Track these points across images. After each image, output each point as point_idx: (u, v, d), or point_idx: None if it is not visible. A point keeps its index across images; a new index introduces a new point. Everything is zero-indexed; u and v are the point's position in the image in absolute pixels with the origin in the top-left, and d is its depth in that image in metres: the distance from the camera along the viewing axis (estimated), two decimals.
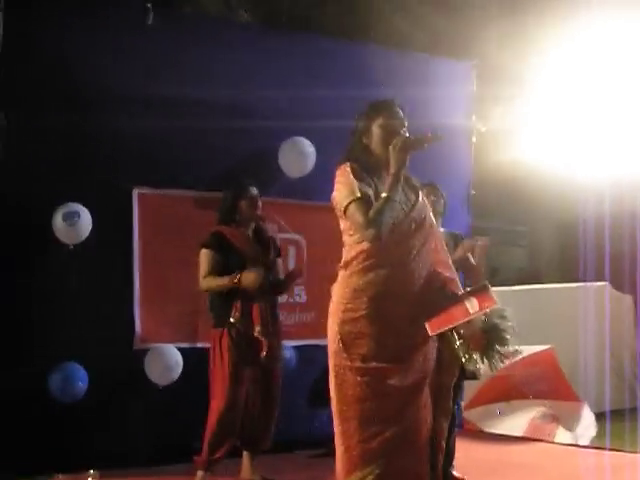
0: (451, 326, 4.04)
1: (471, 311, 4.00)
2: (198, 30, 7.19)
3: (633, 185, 11.91)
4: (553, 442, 7.89)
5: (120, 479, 6.16)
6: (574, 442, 7.84)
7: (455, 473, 6.30)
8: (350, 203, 3.92)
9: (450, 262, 4.31)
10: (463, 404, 8.52)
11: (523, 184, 14.23)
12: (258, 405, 6.13)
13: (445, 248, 4.34)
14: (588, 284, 10.91)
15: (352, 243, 4.03)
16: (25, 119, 6.35)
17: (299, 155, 7.06)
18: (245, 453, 6.25)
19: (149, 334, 6.80)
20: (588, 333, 9.61)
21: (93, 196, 6.58)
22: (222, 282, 5.95)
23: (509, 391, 8.61)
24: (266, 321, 5.99)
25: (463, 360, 4.93)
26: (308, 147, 7.14)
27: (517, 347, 8.52)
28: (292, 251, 7.35)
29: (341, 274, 4.07)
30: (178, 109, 6.83)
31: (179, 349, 6.80)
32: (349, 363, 3.96)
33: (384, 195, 3.90)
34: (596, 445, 7.74)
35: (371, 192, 3.97)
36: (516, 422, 8.29)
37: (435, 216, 6.28)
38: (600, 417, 8.85)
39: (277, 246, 6.49)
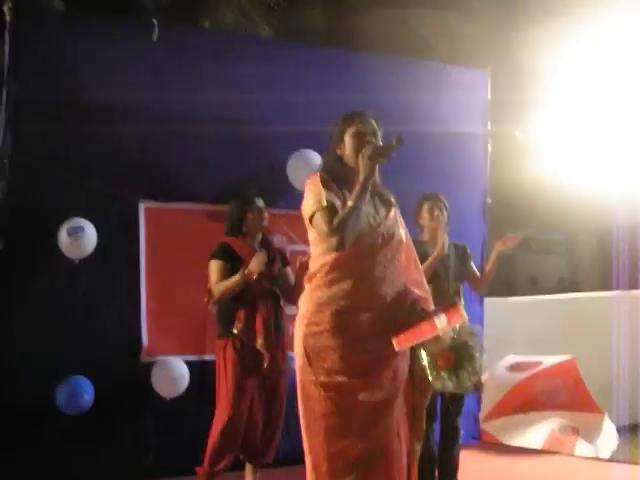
0: (418, 341, 3.98)
1: (439, 326, 3.93)
2: (205, 44, 7.24)
3: None
4: (572, 455, 7.75)
5: None
6: (594, 455, 7.69)
7: None
8: (315, 212, 3.90)
9: (424, 281, 4.25)
10: (481, 416, 8.47)
11: (558, 191, 14.08)
12: (262, 418, 6.11)
13: (419, 266, 4.29)
14: (624, 292, 10.75)
15: (317, 255, 4.00)
16: (31, 134, 6.41)
17: (307, 167, 7.01)
18: (248, 466, 6.23)
19: (156, 347, 6.81)
20: (623, 342, 9.44)
21: (99, 210, 6.62)
22: (233, 280, 5.94)
23: (529, 402, 8.51)
24: (269, 332, 5.97)
25: (430, 378, 4.89)
26: (316, 159, 7.10)
27: (537, 358, 8.51)
28: None
29: (306, 287, 4.04)
30: (185, 122, 6.83)
31: (186, 362, 6.81)
32: (313, 378, 3.93)
33: (350, 204, 3.85)
34: (617, 458, 7.58)
35: (339, 202, 3.93)
36: (535, 434, 8.16)
37: (439, 229, 6.29)
38: (634, 428, 8.73)
39: (285, 257, 6.48)
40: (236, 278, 5.93)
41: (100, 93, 6.65)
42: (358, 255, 3.92)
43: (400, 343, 3.94)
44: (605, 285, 14.19)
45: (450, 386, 4.86)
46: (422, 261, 6.00)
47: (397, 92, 7.55)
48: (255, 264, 5.90)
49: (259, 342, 5.93)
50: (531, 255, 27.31)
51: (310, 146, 7.14)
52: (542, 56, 11.12)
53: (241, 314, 5.96)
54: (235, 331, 5.96)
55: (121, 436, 6.63)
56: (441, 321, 3.94)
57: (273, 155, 7.22)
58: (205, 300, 6.15)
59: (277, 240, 6.98)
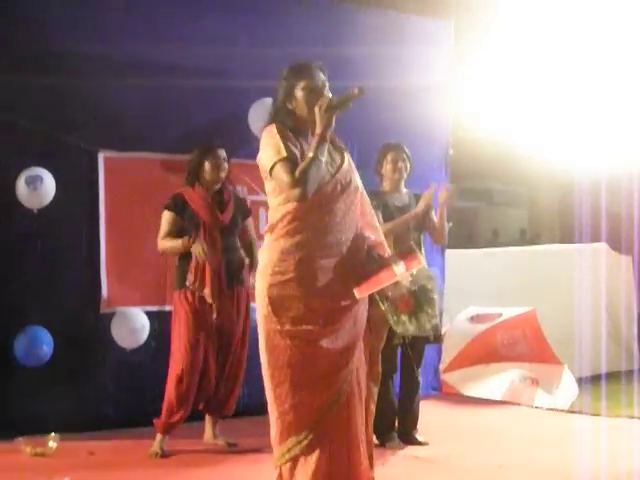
0: (378, 288, 4.03)
1: (397, 272, 3.97)
2: None
3: (631, 145, 11.77)
4: (532, 406, 7.82)
5: (84, 442, 6.18)
6: (553, 406, 7.76)
7: (419, 437, 6.29)
8: (276, 163, 3.88)
9: (377, 225, 4.27)
10: (442, 367, 8.53)
11: (520, 144, 14.10)
12: (219, 369, 6.13)
13: (372, 212, 4.29)
14: (585, 245, 10.81)
15: (277, 205, 3.98)
16: None
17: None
18: (207, 417, 6.27)
19: (115, 297, 6.78)
20: (584, 295, 9.50)
21: (57, 160, 6.55)
22: (176, 244, 6.03)
23: (489, 354, 8.57)
24: (217, 283, 5.96)
25: (391, 322, 4.92)
26: None
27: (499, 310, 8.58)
28: (263, 213, 7.27)
29: (267, 237, 4.03)
30: (146, 70, 6.76)
31: (146, 312, 6.79)
32: (279, 327, 3.92)
33: (310, 155, 3.86)
34: (576, 409, 7.65)
35: (297, 153, 3.93)
36: (495, 385, 8.22)
37: (401, 179, 6.29)
38: (596, 379, 8.81)
39: (246, 208, 6.44)
40: (178, 244, 6.01)
41: (60, 42, 6.57)
42: (318, 204, 3.92)
43: (361, 291, 3.97)
44: (567, 238, 14.28)
45: (411, 329, 4.91)
46: (383, 212, 6.05)
47: (359, 42, 7.53)
48: (196, 251, 5.91)
49: (206, 292, 5.94)
50: (493, 207, 27.47)
51: (271, 95, 7.04)
52: (506, 5, 11.06)
53: (191, 265, 5.97)
54: (187, 283, 5.97)
55: (81, 387, 6.61)
56: (399, 267, 3.97)
57: (234, 104, 7.15)
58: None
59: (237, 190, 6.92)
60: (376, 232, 4.21)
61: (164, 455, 5.90)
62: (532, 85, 12.52)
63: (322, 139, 3.89)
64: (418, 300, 4.70)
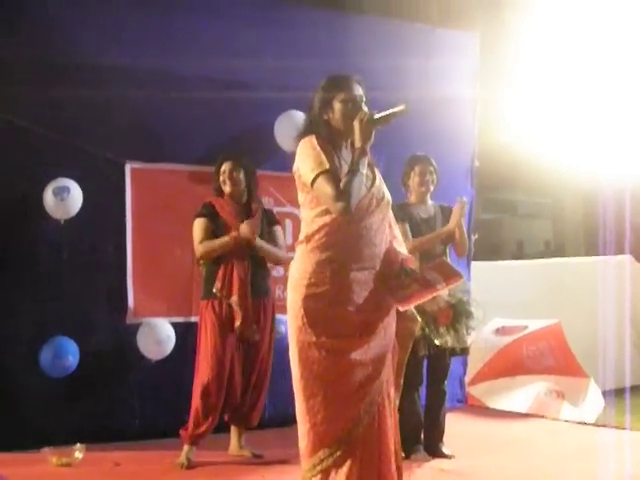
0: (419, 302, 4.08)
1: (438, 287, 4.03)
2: (195, 4, 7.11)
3: None
4: (558, 419, 7.78)
5: (110, 453, 6.19)
6: (579, 419, 7.72)
7: (445, 450, 6.26)
8: (318, 175, 3.87)
9: (400, 237, 4.28)
10: (467, 379, 8.50)
11: (545, 155, 14.07)
12: (244, 380, 6.12)
13: (397, 225, 4.30)
14: (609, 257, 10.78)
15: (313, 217, 3.98)
16: (16, 93, 6.32)
17: (295, 128, 6.93)
18: (233, 428, 6.26)
19: (142, 308, 6.81)
20: (609, 307, 9.47)
21: (85, 171, 6.58)
22: (221, 241, 5.98)
23: (515, 366, 8.53)
24: (245, 291, 5.96)
25: (431, 335, 4.95)
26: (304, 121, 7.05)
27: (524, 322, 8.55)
28: (289, 224, 7.29)
29: (301, 249, 4.02)
30: (173, 82, 6.82)
31: (172, 323, 6.80)
32: (314, 339, 3.91)
33: (352, 168, 3.88)
34: (602, 422, 7.61)
35: (337, 165, 3.95)
36: (521, 398, 8.18)
37: (427, 191, 6.28)
38: (619, 393, 8.75)
39: (273, 216, 6.42)
40: (225, 239, 5.96)
41: (88, 53, 6.59)
42: (355, 217, 3.93)
43: (403, 306, 4.04)
44: (591, 250, 14.23)
45: (450, 341, 4.93)
46: (410, 224, 6.05)
47: (385, 55, 7.53)
48: (246, 230, 5.92)
49: (233, 299, 5.95)
50: (518, 219, 27.41)
51: (297, 108, 7.08)
52: (532, 19, 11.06)
53: (219, 274, 5.98)
54: (214, 291, 5.98)
55: (106, 398, 6.64)
56: (439, 281, 4.04)
57: (260, 116, 7.17)
58: (195, 256, 6.20)
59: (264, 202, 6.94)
60: (400, 245, 4.23)
61: (190, 466, 5.89)
62: (556, 97, 12.51)
63: (363, 152, 3.92)
64: (456, 313, 4.72)
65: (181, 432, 5.98)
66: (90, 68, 6.57)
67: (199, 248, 6.04)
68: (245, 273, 5.99)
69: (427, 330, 4.88)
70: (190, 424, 5.94)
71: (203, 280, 6.19)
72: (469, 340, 5.96)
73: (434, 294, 4.13)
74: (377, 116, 3.94)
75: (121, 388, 6.73)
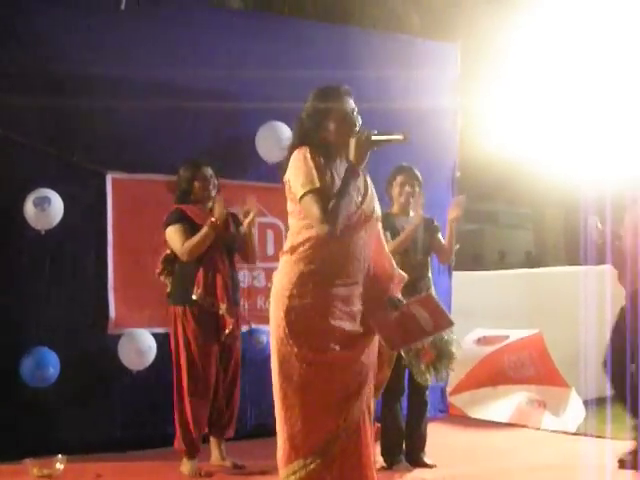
0: (411, 345, 4.16)
1: (427, 329, 4.07)
2: (173, 14, 7.13)
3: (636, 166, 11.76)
4: (539, 428, 7.79)
5: (91, 464, 6.15)
6: (561, 428, 7.73)
7: (426, 460, 6.26)
8: (307, 193, 3.83)
9: (386, 249, 4.27)
10: (449, 389, 8.50)
11: (526, 166, 14.12)
12: (222, 387, 6.12)
13: (383, 238, 4.29)
14: (590, 267, 10.79)
15: (300, 228, 3.95)
16: None
17: (277, 139, 6.96)
18: (212, 439, 6.22)
19: (123, 319, 6.79)
20: (590, 317, 9.48)
21: (65, 181, 6.56)
22: (202, 232, 5.89)
23: (496, 376, 8.54)
24: (229, 298, 5.96)
25: (413, 372, 5.02)
26: (285, 132, 7.04)
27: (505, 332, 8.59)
28: (271, 235, 7.29)
29: (285, 259, 3.99)
30: (154, 93, 6.79)
31: (153, 334, 6.76)
32: (295, 350, 3.89)
33: (341, 190, 3.85)
34: (583, 432, 7.62)
35: (328, 180, 3.90)
36: (502, 407, 8.21)
37: (417, 204, 6.29)
38: (601, 402, 8.76)
39: (237, 218, 6.33)
40: (204, 230, 5.88)
41: (68, 64, 6.58)
42: (343, 232, 3.89)
43: (394, 347, 4.16)
44: (572, 260, 14.26)
45: (429, 379, 5.01)
46: (391, 234, 6.05)
47: (366, 65, 7.57)
48: (218, 209, 5.87)
49: (223, 307, 5.92)
50: (499, 229, 27.51)
51: (279, 119, 7.09)
52: (512, 30, 11.11)
53: (200, 280, 5.92)
54: (194, 297, 5.91)
55: (87, 408, 6.59)
56: (428, 324, 4.06)
57: (242, 127, 7.18)
58: (157, 271, 6.19)
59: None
60: (388, 259, 4.22)
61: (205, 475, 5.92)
62: (537, 107, 12.56)
63: (355, 174, 3.90)
64: (439, 354, 4.79)
65: (179, 448, 5.97)
66: (71, 79, 6.57)
67: (183, 250, 5.93)
68: (229, 278, 5.99)
69: (411, 367, 4.97)
70: (181, 436, 5.93)
71: (174, 283, 6.12)
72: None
73: (424, 337, 4.23)
74: (375, 138, 3.89)
75: (102, 399, 6.69)
